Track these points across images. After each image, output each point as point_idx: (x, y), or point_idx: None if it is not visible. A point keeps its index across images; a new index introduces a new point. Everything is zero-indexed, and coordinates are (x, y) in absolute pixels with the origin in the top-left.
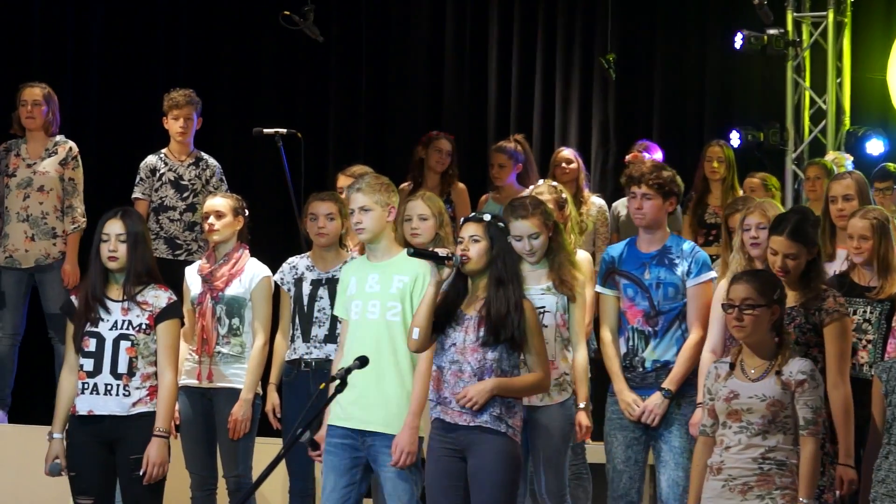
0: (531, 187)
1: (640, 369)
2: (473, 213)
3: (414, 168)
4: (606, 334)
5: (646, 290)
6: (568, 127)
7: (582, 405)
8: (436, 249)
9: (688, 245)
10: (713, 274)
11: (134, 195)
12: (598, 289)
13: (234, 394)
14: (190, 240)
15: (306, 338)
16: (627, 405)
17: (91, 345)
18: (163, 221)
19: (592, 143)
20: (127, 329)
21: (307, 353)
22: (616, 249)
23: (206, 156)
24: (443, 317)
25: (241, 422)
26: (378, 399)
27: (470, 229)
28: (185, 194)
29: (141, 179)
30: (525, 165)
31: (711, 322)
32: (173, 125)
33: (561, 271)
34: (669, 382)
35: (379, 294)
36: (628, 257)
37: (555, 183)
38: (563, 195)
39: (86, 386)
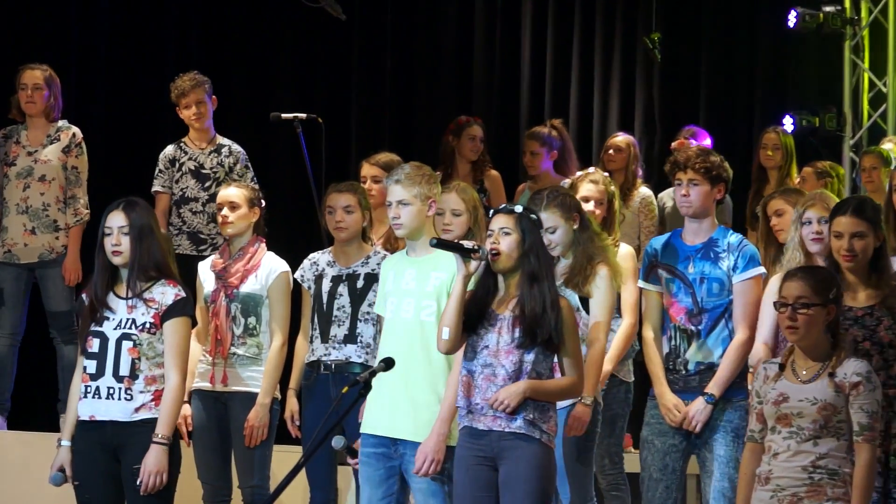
0: (578, 174)
1: (683, 371)
2: (504, 205)
3: (445, 157)
4: (648, 333)
5: (689, 286)
6: (608, 112)
7: (585, 399)
8: (462, 241)
9: (735, 237)
10: (762, 269)
11: (154, 188)
12: (641, 284)
13: (250, 398)
14: (215, 233)
15: (325, 338)
16: (668, 410)
17: (94, 345)
18: (185, 214)
19: (635, 129)
20: (130, 328)
21: (325, 355)
22: (659, 241)
23: (228, 141)
24: (473, 317)
25: (258, 428)
26: (407, 405)
27: (500, 221)
28: (207, 184)
29: (160, 171)
30: (561, 152)
31: (762, 315)
32: (186, 114)
33: (574, 266)
34: (713, 386)
35: (414, 291)
36: (671, 250)
37: (606, 173)
38: (613, 188)
39: (88, 389)
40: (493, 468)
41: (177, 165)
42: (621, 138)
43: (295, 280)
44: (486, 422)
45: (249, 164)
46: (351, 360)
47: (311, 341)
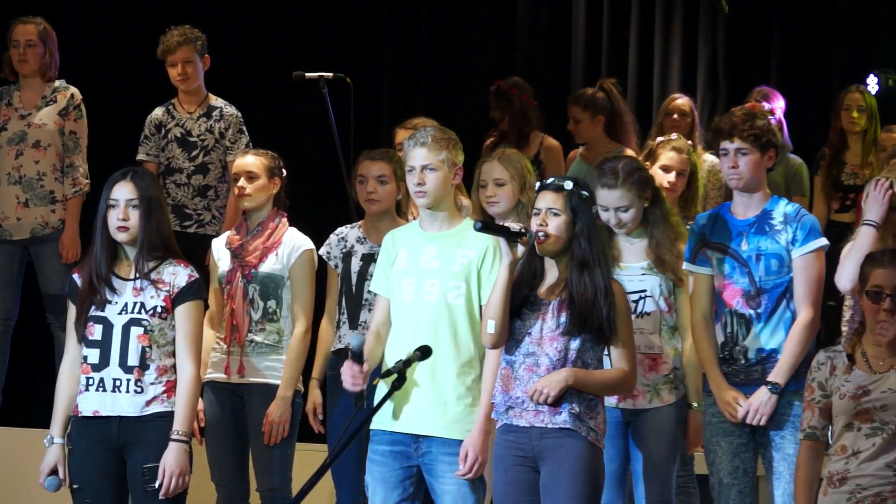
0: (659, 139)
1: (742, 361)
2: (551, 179)
3: (498, 123)
4: (699, 319)
5: (744, 265)
6: (669, 68)
7: (695, 405)
8: (507, 224)
9: (791, 207)
10: (823, 241)
11: (138, 156)
12: (687, 266)
13: (269, 391)
14: (201, 208)
15: (353, 324)
16: (727, 404)
17: (96, 332)
18: (169, 187)
19: (698, 88)
20: (139, 313)
21: None
22: (706, 217)
23: (221, 103)
24: (516, 304)
25: (279, 424)
26: (435, 396)
27: (548, 200)
28: (194, 153)
29: (146, 137)
30: (610, 115)
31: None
32: (172, 73)
33: (660, 249)
34: (777, 374)
35: (438, 271)
36: (721, 226)
37: (689, 141)
38: (696, 159)
39: (90, 381)
40: (535, 469)
41: (163, 131)
42: (684, 101)
43: (320, 258)
44: (527, 417)
45: (244, 129)
46: None
47: (338, 327)
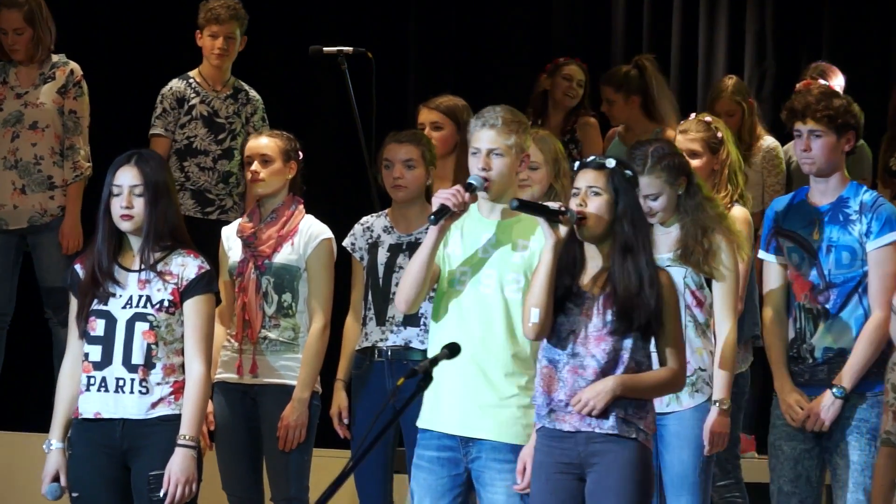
0: (688, 117)
1: (809, 360)
2: (592, 157)
3: (535, 101)
4: (769, 313)
5: (813, 256)
6: (715, 41)
7: (716, 403)
8: (546, 203)
9: (869, 196)
10: None
11: (153, 131)
12: (762, 254)
13: (285, 392)
14: (224, 194)
15: (381, 320)
16: (788, 407)
17: (99, 328)
18: (190, 169)
19: (745, 63)
20: (144, 307)
21: (381, 340)
22: (782, 202)
23: (246, 86)
24: (557, 294)
25: (295, 428)
26: (489, 397)
27: (588, 178)
28: (222, 136)
29: (164, 111)
30: (645, 94)
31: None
32: (210, 44)
33: (688, 239)
34: (844, 377)
35: (496, 261)
36: (795, 212)
37: (709, 118)
38: (719, 134)
39: (92, 381)
40: (579, 477)
41: (185, 107)
42: (735, 80)
43: (344, 250)
44: (571, 422)
45: (266, 118)
46: (412, 345)
47: (364, 323)
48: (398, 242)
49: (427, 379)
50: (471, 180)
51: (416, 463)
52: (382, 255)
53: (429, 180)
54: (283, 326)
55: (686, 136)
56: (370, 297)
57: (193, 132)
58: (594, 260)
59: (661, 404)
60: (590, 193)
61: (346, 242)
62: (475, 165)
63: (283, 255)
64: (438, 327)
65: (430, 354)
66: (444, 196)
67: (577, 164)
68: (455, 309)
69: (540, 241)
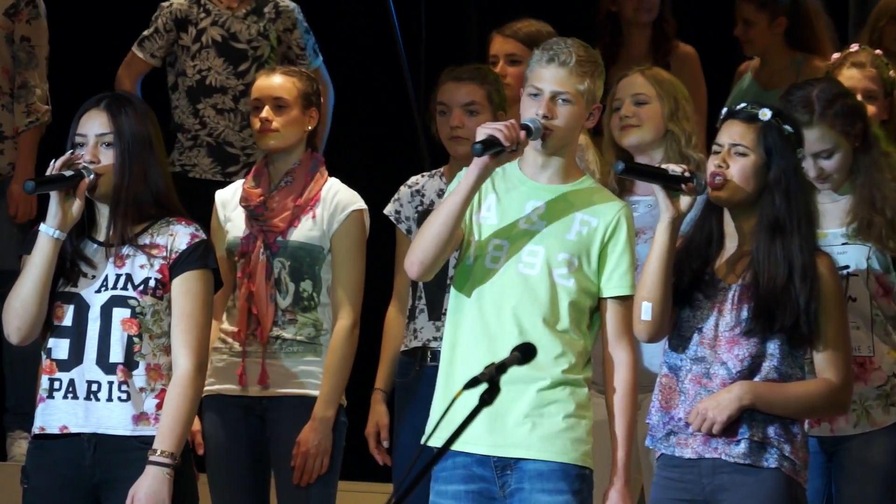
0: (835, 56)
1: None
2: (742, 105)
3: (601, 26)
4: None
5: None
6: None
7: None
8: (666, 166)
9: None
10: None
11: (134, 48)
12: None
13: (303, 407)
14: (251, 145)
15: (434, 313)
16: None
17: (66, 316)
18: (205, 113)
19: None
20: (124, 288)
21: (435, 338)
22: None
23: None
24: (683, 282)
25: (316, 456)
26: (529, 407)
27: (733, 133)
28: (243, 66)
29: (156, 32)
30: (795, 17)
31: None
32: None
33: (867, 207)
34: None
35: (546, 237)
36: None
37: (878, 51)
38: (892, 73)
39: (56, 386)
40: None
41: (189, 29)
42: None
43: (384, 219)
44: (693, 446)
45: (310, 32)
46: None
47: (412, 317)
48: None
49: (494, 390)
50: (527, 121)
51: (435, 489)
52: None
53: None
54: (302, 323)
55: (863, 71)
56: (421, 284)
57: (205, 63)
58: (734, 239)
59: (847, 425)
60: (733, 153)
61: (389, 210)
62: (532, 109)
63: (302, 232)
64: (459, 315)
65: (443, 350)
66: (494, 127)
67: (723, 111)
68: (485, 292)
69: (607, 218)
